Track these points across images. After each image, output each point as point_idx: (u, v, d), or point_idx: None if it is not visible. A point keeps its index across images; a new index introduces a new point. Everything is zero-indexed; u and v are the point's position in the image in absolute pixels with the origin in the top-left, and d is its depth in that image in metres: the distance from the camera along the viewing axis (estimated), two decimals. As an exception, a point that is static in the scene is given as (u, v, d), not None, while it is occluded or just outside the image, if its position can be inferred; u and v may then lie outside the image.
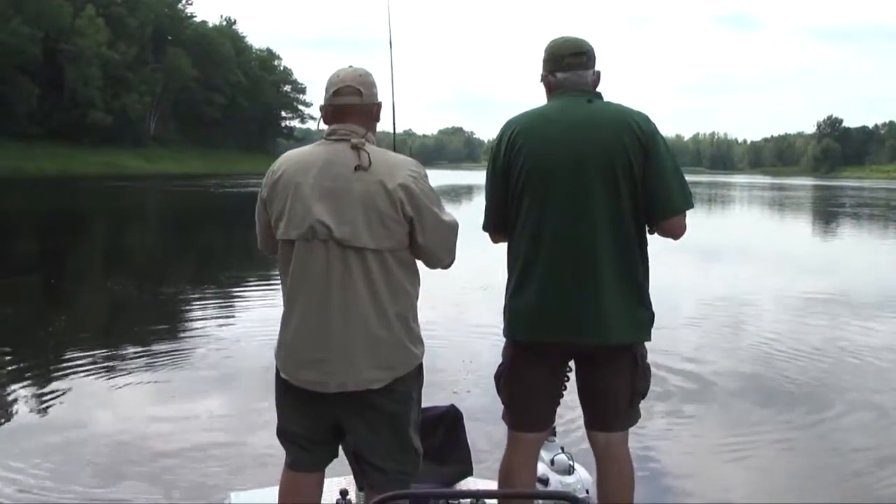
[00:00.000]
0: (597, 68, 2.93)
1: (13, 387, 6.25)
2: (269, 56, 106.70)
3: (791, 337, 8.53)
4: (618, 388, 2.89)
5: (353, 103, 2.64)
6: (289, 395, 2.71)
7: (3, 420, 5.60)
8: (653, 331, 2.88)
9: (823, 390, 6.59)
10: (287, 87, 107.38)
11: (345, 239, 2.54)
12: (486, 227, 3.02)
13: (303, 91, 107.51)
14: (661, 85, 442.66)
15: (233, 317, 9.44)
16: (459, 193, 41.58)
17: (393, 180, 2.56)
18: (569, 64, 2.87)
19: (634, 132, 2.75)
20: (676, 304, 10.17)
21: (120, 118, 67.71)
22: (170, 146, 77.30)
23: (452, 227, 2.71)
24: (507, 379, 2.97)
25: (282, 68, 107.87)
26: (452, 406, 3.41)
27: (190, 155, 75.95)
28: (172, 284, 12.34)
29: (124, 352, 7.54)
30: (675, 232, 2.85)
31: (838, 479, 4.79)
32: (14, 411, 5.77)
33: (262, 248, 2.83)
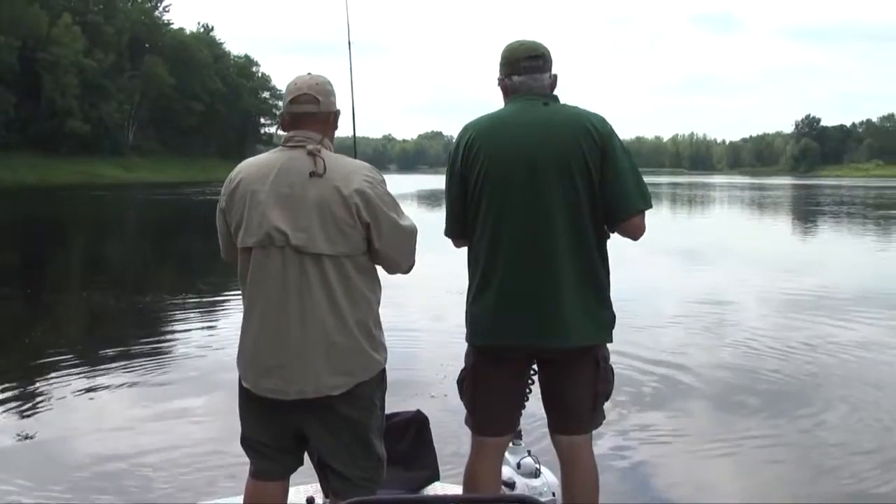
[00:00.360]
0: (554, 71, 2.93)
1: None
2: (248, 62, 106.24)
3: (780, 335, 8.48)
4: (580, 391, 2.89)
5: (310, 111, 2.65)
6: (251, 403, 2.70)
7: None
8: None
9: (815, 389, 6.56)
10: (266, 94, 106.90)
11: (301, 245, 2.53)
12: (447, 233, 3.01)
13: (281, 97, 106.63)
14: (641, 87, 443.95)
15: (212, 324, 9.40)
16: (439, 198, 41.53)
17: (349, 186, 2.56)
18: (524, 67, 2.88)
19: (591, 133, 2.75)
20: (659, 304, 10.18)
21: (98, 127, 67.18)
22: (148, 155, 76.60)
23: (410, 232, 2.71)
24: (470, 384, 2.97)
25: (260, 74, 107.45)
26: (419, 411, 3.42)
27: (169, 163, 75.25)
28: (151, 292, 12.24)
29: (100, 360, 7.47)
30: (635, 232, 2.84)
31: (836, 481, 4.69)
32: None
33: (225, 257, 2.83)
